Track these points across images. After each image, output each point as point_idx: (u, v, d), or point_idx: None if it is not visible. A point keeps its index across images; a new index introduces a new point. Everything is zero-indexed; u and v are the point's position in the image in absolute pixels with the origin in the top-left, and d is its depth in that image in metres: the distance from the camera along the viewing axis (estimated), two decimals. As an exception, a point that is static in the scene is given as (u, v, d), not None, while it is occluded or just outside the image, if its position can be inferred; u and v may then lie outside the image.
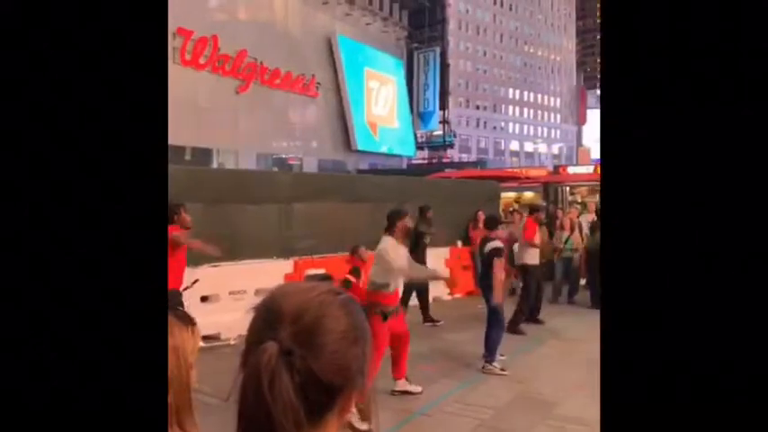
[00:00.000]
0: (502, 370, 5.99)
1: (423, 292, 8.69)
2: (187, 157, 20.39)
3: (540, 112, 77.78)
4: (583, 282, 10.17)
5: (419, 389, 5.42)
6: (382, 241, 5.36)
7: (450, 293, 10.61)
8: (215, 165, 22.01)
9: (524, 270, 8.37)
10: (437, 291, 9.43)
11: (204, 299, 7.43)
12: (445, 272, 6.00)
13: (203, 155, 21.55)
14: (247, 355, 0.81)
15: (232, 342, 7.36)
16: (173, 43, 19.19)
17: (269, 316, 0.83)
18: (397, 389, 5.39)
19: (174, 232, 5.64)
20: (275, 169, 23.84)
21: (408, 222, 5.51)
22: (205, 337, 7.25)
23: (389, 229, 5.37)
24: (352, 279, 6.69)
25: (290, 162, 25.56)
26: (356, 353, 0.84)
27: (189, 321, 1.22)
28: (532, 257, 8.31)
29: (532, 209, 9.15)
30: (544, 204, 12.31)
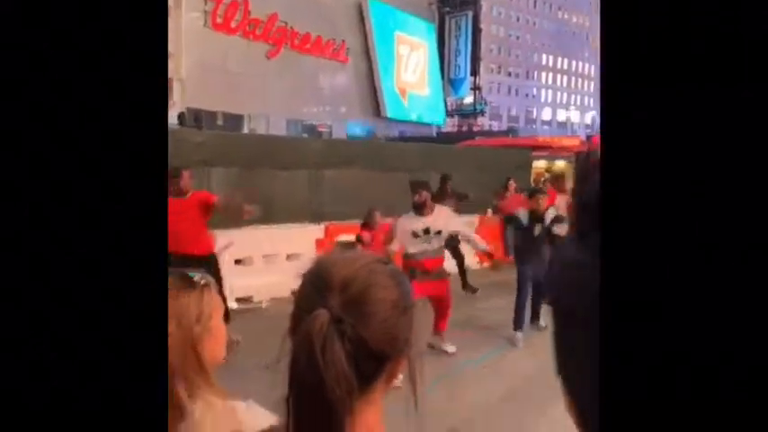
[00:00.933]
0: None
1: (459, 261, 8.78)
2: (219, 122, 20.52)
3: (573, 79, 76.02)
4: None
5: (454, 348, 5.51)
6: (447, 211, 5.73)
7: (480, 262, 10.62)
8: (246, 130, 22.13)
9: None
10: (466, 259, 9.45)
11: (238, 262, 7.59)
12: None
13: (235, 120, 21.66)
14: (297, 322, 0.84)
15: (263, 305, 7.52)
16: (204, 7, 19.14)
17: (318, 283, 0.85)
18: (434, 343, 5.51)
19: (213, 197, 5.74)
20: (305, 136, 23.90)
21: (419, 197, 5.56)
22: (238, 299, 7.43)
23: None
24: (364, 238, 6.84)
25: (320, 129, 25.54)
26: (404, 322, 0.86)
27: (197, 284, 1.23)
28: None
29: (554, 180, 9.08)
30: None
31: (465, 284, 8.63)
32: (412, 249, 5.43)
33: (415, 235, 5.41)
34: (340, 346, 0.79)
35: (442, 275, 5.58)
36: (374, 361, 0.82)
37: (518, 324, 6.21)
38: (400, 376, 0.88)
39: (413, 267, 5.35)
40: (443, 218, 5.53)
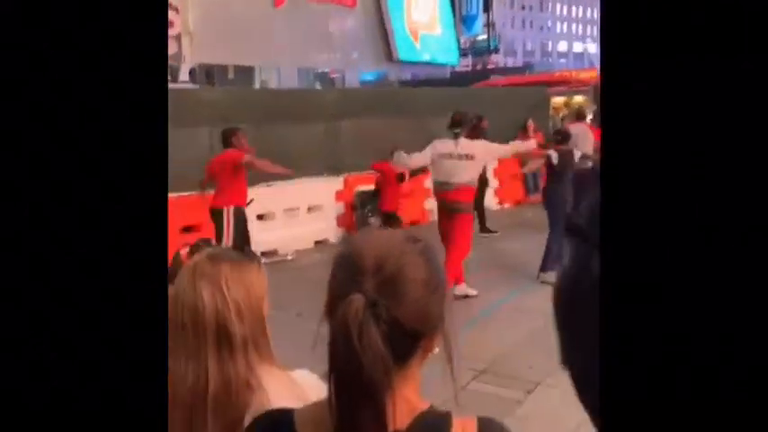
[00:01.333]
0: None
1: (478, 202, 8.76)
2: (230, 76, 20.33)
3: (588, 9, 73.45)
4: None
5: (475, 292, 5.58)
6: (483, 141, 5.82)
7: (500, 203, 10.61)
8: (257, 83, 21.93)
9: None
10: (486, 201, 9.44)
11: (260, 217, 7.68)
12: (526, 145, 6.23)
13: (245, 73, 21.43)
14: (332, 306, 0.85)
15: (289, 258, 7.65)
16: (206, -43, 18.67)
17: (350, 267, 0.86)
18: (458, 293, 5.59)
19: (241, 156, 5.88)
20: (317, 84, 23.62)
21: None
22: (263, 253, 7.56)
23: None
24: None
25: (332, 75, 25.20)
26: (437, 299, 0.87)
27: (255, 258, 1.26)
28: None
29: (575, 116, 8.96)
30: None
31: (483, 227, 8.65)
32: (441, 175, 5.49)
33: (447, 156, 5.47)
34: (376, 329, 0.80)
35: (462, 209, 5.53)
36: (409, 339, 0.84)
37: (546, 265, 6.25)
38: (436, 348, 0.90)
39: (440, 198, 5.47)
40: (479, 146, 5.62)
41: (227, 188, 6.01)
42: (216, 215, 6.02)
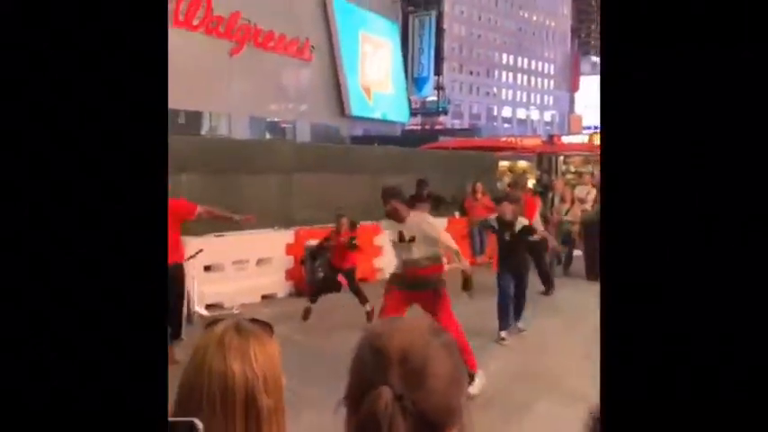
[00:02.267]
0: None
1: None
2: (181, 121, 20.15)
3: (533, 78, 77.12)
4: (579, 253, 10.32)
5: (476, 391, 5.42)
6: (420, 216, 5.36)
7: (447, 263, 10.73)
8: (206, 128, 21.78)
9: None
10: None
11: (207, 268, 7.50)
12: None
13: (195, 118, 21.29)
14: (356, 394, 0.85)
15: (235, 311, 7.45)
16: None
17: (375, 358, 0.86)
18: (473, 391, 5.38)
19: (194, 208, 5.51)
20: (267, 134, 23.64)
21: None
22: (209, 306, 7.35)
23: (418, 201, 5.35)
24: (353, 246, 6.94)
25: (283, 126, 25.31)
26: (457, 391, 0.88)
27: (271, 329, 1.26)
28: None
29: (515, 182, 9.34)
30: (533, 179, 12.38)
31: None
32: (396, 258, 5.36)
33: (393, 243, 5.37)
34: (403, 423, 0.81)
35: (430, 285, 5.33)
36: (431, 431, 0.83)
37: (503, 324, 6.32)
38: None
39: (401, 276, 5.28)
40: (416, 223, 5.39)
41: (177, 240, 5.48)
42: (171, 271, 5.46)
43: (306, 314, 6.85)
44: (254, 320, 1.21)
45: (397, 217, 5.26)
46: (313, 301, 6.98)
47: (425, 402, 0.83)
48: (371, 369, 0.86)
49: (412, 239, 5.27)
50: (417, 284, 5.20)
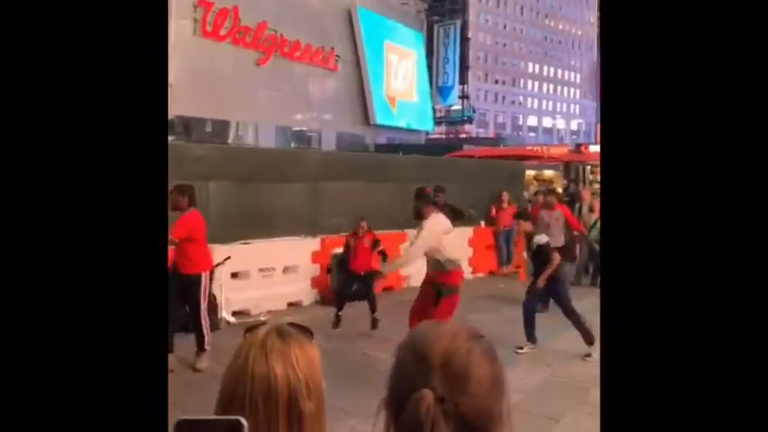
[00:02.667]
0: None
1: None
2: (208, 129, 20.44)
3: (559, 87, 76.63)
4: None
5: None
6: (431, 220, 5.29)
7: (473, 272, 10.68)
8: (233, 137, 22.06)
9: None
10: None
11: (234, 275, 7.56)
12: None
13: (222, 127, 21.58)
14: (398, 398, 0.86)
15: (262, 319, 7.50)
16: (194, 15, 19.08)
17: (418, 362, 0.88)
18: None
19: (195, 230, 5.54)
20: (293, 143, 23.86)
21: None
22: (235, 313, 7.39)
23: (433, 205, 5.35)
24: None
25: (308, 134, 25.54)
26: (498, 395, 0.89)
27: (311, 334, 1.27)
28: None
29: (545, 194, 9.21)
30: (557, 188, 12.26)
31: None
32: (450, 253, 5.24)
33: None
34: (445, 426, 0.81)
35: (434, 289, 5.33)
36: None
37: (530, 336, 6.27)
38: None
39: (442, 283, 5.13)
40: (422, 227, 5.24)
41: (202, 251, 5.70)
42: (189, 281, 5.51)
43: (336, 323, 6.89)
44: (294, 325, 1.21)
45: (420, 215, 5.31)
46: (339, 308, 6.99)
47: (467, 406, 0.84)
48: (414, 373, 0.86)
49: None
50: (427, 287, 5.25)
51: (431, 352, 0.87)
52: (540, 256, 6.40)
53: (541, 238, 6.50)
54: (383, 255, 7.21)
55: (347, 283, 7.33)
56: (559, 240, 8.64)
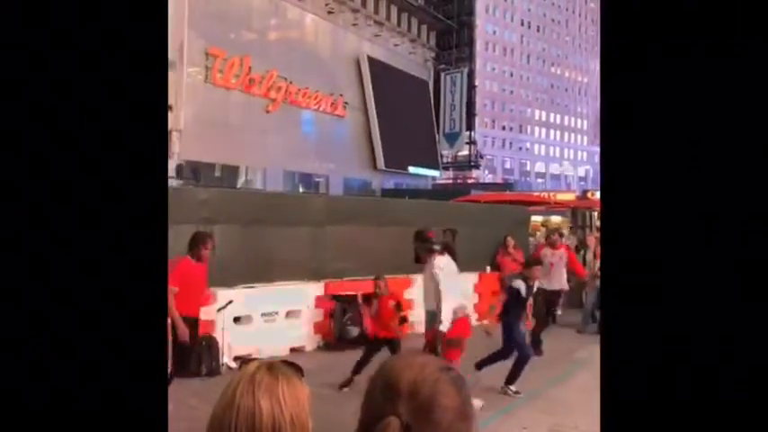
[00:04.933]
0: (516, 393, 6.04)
1: None
2: (217, 174, 20.69)
3: (566, 133, 77.32)
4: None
5: (481, 403, 5.15)
6: (445, 261, 5.20)
7: (478, 319, 10.56)
8: (241, 181, 22.30)
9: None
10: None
11: (237, 320, 7.51)
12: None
13: (231, 171, 21.85)
14: (367, 426, 0.89)
15: (263, 363, 7.40)
16: (205, 62, 19.57)
17: (386, 390, 0.89)
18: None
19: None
20: (301, 188, 24.07)
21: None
22: (237, 358, 7.32)
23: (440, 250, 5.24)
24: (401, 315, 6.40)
25: (316, 179, 25.79)
26: (466, 427, 0.89)
27: (302, 372, 1.26)
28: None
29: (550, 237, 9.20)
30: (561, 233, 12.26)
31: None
32: (460, 295, 5.07)
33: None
34: None
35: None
36: None
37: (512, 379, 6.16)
38: None
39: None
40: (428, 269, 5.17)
41: (200, 293, 5.70)
42: (190, 324, 5.38)
43: (345, 383, 6.12)
44: (285, 362, 1.21)
45: (419, 259, 5.20)
46: (355, 372, 6.17)
47: None
48: (381, 401, 0.88)
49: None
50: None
51: (399, 381, 0.89)
52: (514, 298, 6.32)
53: (518, 284, 6.39)
54: (402, 319, 6.45)
55: (371, 347, 6.42)
56: (561, 282, 8.58)
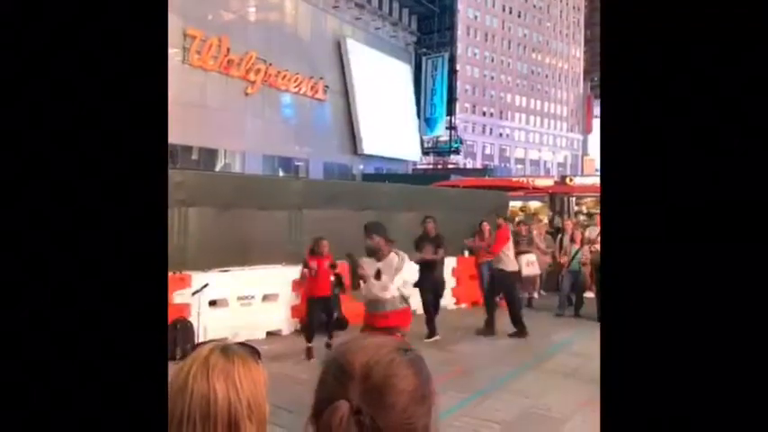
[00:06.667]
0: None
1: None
2: (194, 157, 20.44)
3: (546, 119, 77.72)
4: (591, 295, 10.17)
5: None
6: (402, 256, 5.21)
7: (456, 303, 10.62)
8: (220, 165, 22.07)
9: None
10: (442, 300, 9.45)
11: (213, 303, 7.45)
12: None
13: (209, 155, 21.60)
14: (318, 410, 0.84)
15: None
16: (183, 44, 19.25)
17: (339, 373, 0.85)
18: None
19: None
20: (281, 172, 23.90)
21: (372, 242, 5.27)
22: (212, 342, 7.28)
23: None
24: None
25: (296, 163, 25.63)
26: (423, 410, 0.86)
27: (259, 355, 1.23)
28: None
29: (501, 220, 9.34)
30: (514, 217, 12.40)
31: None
32: (371, 293, 5.12)
33: (373, 277, 5.12)
34: None
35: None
36: None
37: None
38: None
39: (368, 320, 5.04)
40: (391, 266, 5.07)
41: None
42: None
43: (308, 354, 6.68)
44: (241, 344, 1.18)
45: (377, 254, 5.12)
46: (308, 340, 6.77)
47: (386, 419, 0.81)
48: (334, 384, 0.84)
49: (378, 276, 5.08)
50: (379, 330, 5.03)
51: (352, 363, 0.85)
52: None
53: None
54: (338, 278, 7.05)
55: (314, 308, 7.03)
56: (512, 264, 8.65)
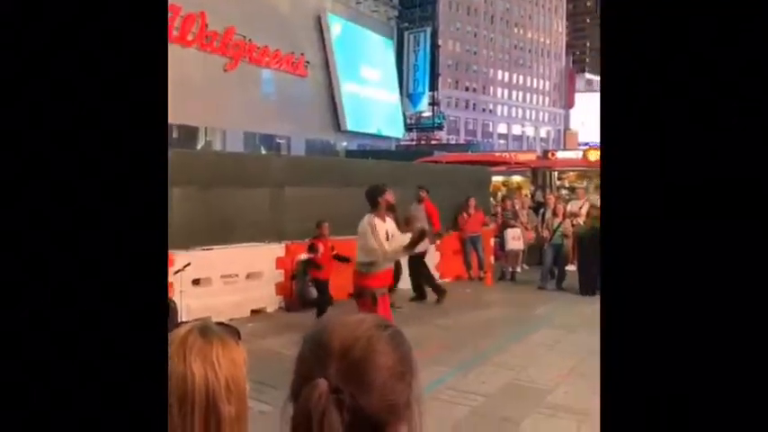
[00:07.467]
0: None
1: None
2: (174, 135, 20.17)
3: (528, 94, 77.70)
4: (573, 268, 10.28)
5: None
6: (365, 218, 5.40)
7: (441, 277, 10.69)
8: (201, 143, 21.82)
9: None
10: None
11: (196, 282, 7.42)
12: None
13: (190, 133, 21.34)
14: (297, 389, 0.83)
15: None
16: (160, 19, 18.88)
17: (317, 350, 0.84)
18: None
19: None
20: (262, 149, 23.69)
21: (390, 197, 5.57)
22: (196, 321, 7.26)
23: (372, 208, 5.44)
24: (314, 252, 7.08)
25: (278, 141, 25.41)
26: (403, 387, 0.84)
27: (238, 335, 1.22)
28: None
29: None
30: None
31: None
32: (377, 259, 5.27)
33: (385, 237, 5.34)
34: (338, 416, 0.78)
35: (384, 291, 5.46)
36: (372, 429, 0.80)
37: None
38: None
39: (372, 290, 5.25)
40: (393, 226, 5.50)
41: None
42: None
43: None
44: (220, 324, 1.16)
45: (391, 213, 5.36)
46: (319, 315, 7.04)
47: (365, 396, 0.80)
48: (312, 362, 0.83)
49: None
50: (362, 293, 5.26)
51: (331, 341, 0.84)
52: None
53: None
54: (339, 258, 7.30)
55: (321, 291, 7.41)
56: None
